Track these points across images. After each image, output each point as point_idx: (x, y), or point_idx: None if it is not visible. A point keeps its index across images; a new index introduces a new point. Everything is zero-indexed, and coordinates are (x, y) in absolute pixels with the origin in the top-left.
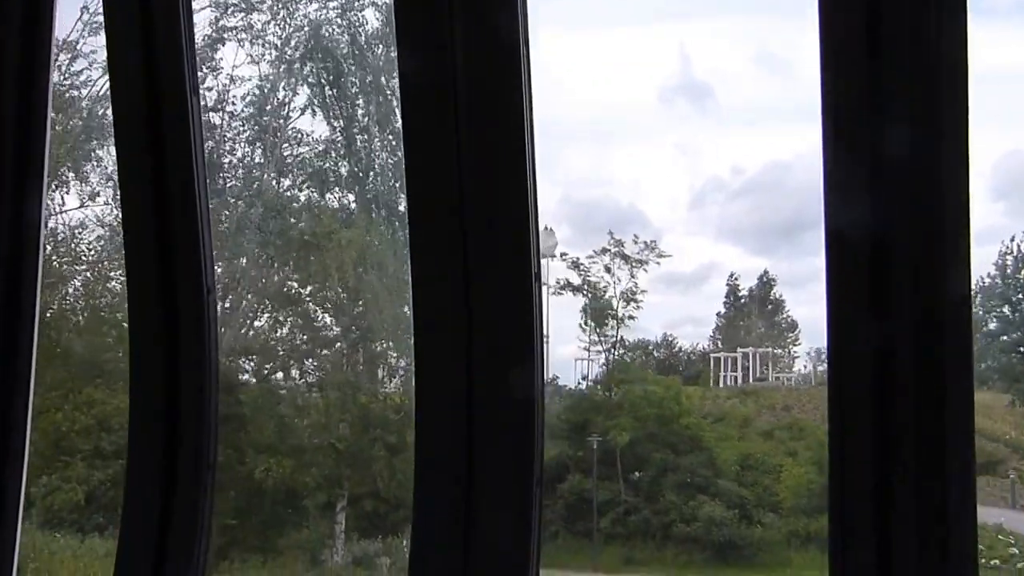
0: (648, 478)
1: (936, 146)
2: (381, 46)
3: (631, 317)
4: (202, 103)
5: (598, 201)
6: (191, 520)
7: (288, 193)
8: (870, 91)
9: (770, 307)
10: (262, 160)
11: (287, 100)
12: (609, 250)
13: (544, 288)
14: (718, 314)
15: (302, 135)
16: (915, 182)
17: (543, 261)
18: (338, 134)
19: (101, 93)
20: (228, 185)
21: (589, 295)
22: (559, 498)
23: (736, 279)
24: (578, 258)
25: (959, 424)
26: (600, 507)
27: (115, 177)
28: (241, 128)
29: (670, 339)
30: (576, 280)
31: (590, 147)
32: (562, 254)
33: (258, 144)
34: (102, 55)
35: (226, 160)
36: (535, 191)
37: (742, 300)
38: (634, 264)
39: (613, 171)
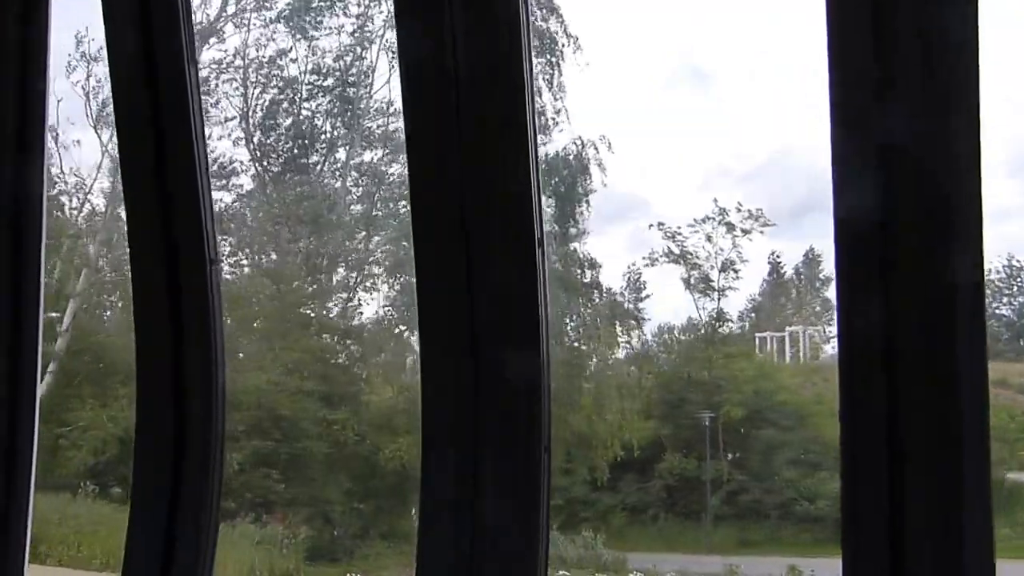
0: (756, 456)
1: (946, 125)
2: None
3: (731, 288)
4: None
5: None
6: (201, 492)
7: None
8: (878, 70)
9: (819, 284)
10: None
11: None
12: (712, 218)
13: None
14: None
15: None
16: (925, 163)
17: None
18: None
19: None
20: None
21: (688, 265)
22: (656, 478)
23: (777, 256)
24: (679, 227)
25: (973, 406)
26: (705, 488)
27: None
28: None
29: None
30: (675, 250)
31: None
32: (659, 223)
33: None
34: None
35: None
36: (536, 160)
37: (784, 277)
38: (737, 234)
39: None
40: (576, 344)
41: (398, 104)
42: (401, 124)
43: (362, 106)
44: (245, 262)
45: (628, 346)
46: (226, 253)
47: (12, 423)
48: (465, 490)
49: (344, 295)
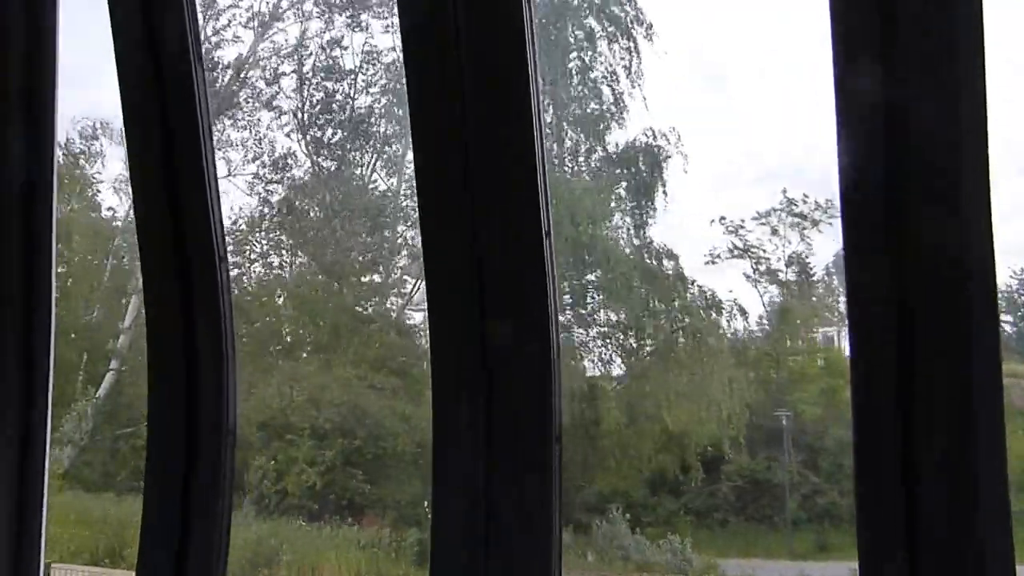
0: (829, 457)
1: (953, 103)
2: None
3: (797, 282)
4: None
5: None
6: (213, 486)
7: None
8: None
9: None
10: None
11: None
12: (779, 210)
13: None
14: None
15: None
16: (931, 140)
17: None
18: None
19: None
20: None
21: (753, 259)
22: (723, 481)
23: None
24: (742, 221)
25: (986, 372)
26: (776, 490)
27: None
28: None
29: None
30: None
31: None
32: (721, 218)
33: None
34: None
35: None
36: (543, 149)
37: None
38: (805, 226)
39: None
40: (672, 336)
41: None
42: None
43: None
44: (303, 258)
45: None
46: (285, 249)
47: (26, 417)
48: (477, 484)
49: (405, 290)
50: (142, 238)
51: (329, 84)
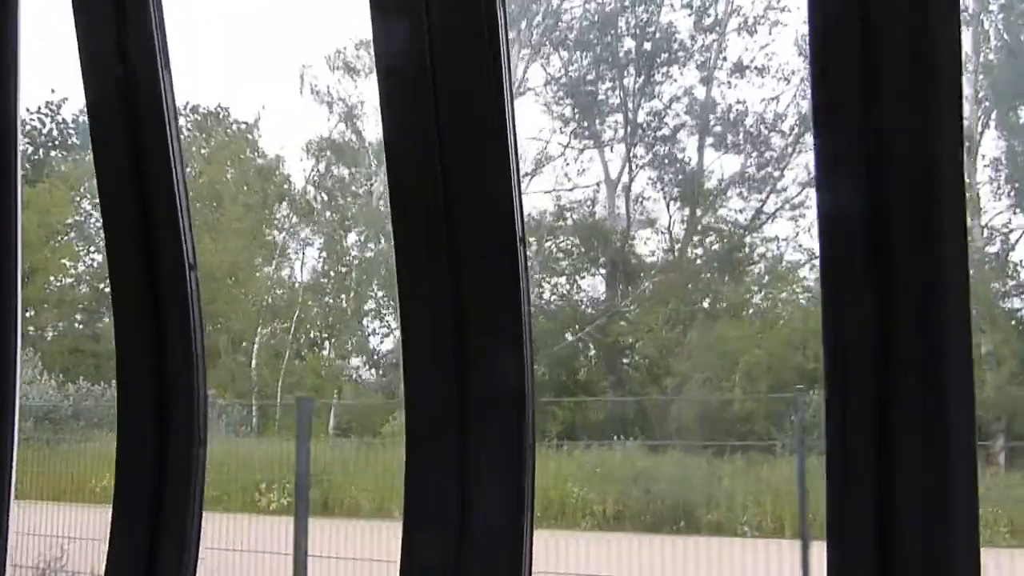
0: None
1: (929, 119)
2: None
3: None
4: None
5: None
6: (183, 498)
7: None
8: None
9: None
10: None
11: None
12: None
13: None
14: None
15: None
16: (910, 158)
17: None
18: None
19: None
20: None
21: None
22: None
23: None
24: None
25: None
26: None
27: None
28: None
29: None
30: None
31: None
32: None
33: None
34: None
35: None
36: (516, 158)
37: None
38: None
39: None
40: None
41: None
42: None
43: None
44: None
45: None
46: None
47: None
48: (451, 489)
49: None
50: (109, 245)
51: None
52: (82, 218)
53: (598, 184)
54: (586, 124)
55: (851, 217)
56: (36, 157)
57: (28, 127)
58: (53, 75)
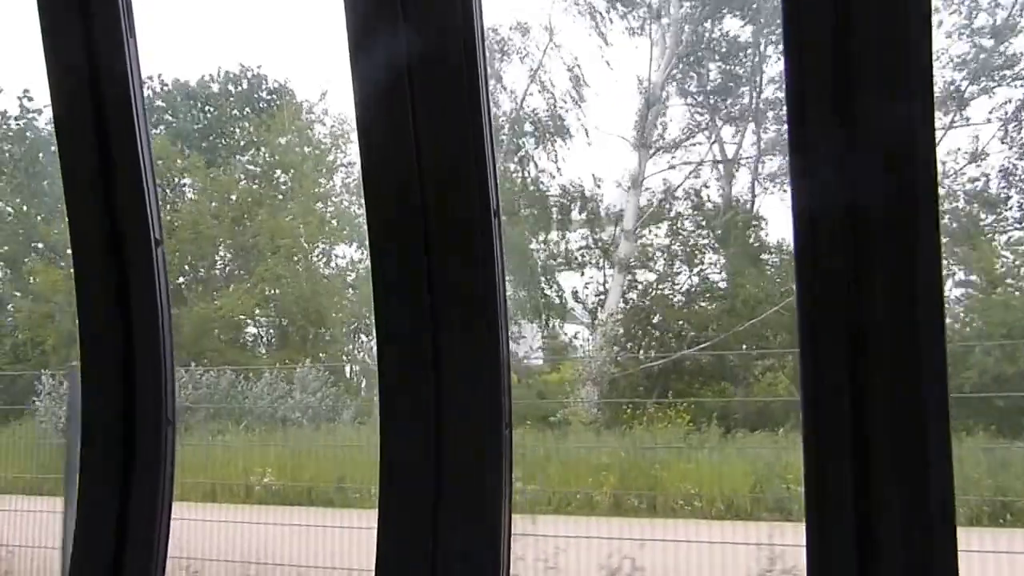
0: None
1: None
2: None
3: None
4: None
5: None
6: (152, 482)
7: None
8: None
9: None
10: None
11: None
12: None
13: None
14: None
15: None
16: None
17: None
18: None
19: None
20: None
21: None
22: None
23: None
24: None
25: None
26: None
27: None
28: None
29: None
30: None
31: None
32: None
33: None
34: None
35: None
36: (493, 146)
37: None
38: None
39: None
40: None
41: None
42: None
43: None
44: None
45: None
46: None
47: None
48: (426, 469)
49: None
50: (73, 221)
51: None
52: None
53: None
54: None
55: (826, 205)
56: None
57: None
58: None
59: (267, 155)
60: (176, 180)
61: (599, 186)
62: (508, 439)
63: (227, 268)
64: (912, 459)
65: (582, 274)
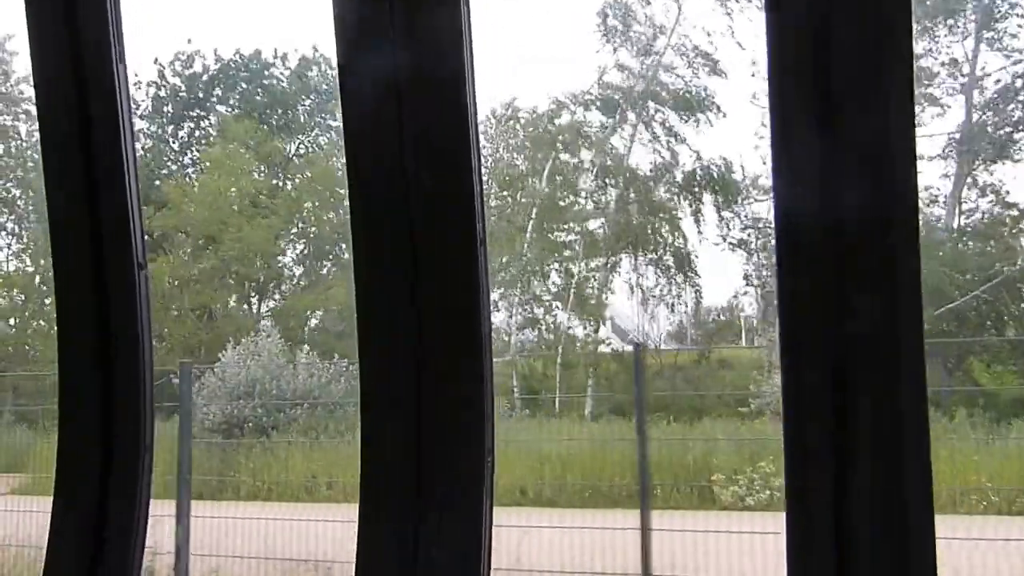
0: None
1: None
2: None
3: None
4: None
5: None
6: (129, 504)
7: None
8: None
9: None
10: None
11: None
12: None
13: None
14: None
15: None
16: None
17: None
18: None
19: None
20: None
21: None
22: None
23: None
24: None
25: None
26: None
27: None
28: None
29: None
30: None
31: None
32: None
33: None
34: None
35: None
36: (479, 162)
37: None
38: None
39: None
40: None
41: None
42: None
43: None
44: None
45: None
46: None
47: None
48: (407, 494)
49: None
50: (56, 241)
51: None
52: None
53: None
54: None
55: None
56: None
57: None
58: None
59: None
60: None
61: None
62: (491, 467)
63: None
64: (890, 447)
65: None
